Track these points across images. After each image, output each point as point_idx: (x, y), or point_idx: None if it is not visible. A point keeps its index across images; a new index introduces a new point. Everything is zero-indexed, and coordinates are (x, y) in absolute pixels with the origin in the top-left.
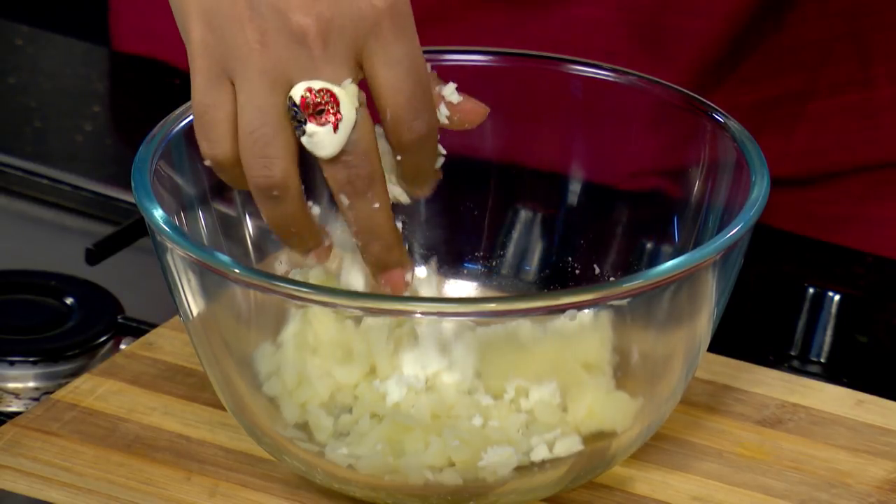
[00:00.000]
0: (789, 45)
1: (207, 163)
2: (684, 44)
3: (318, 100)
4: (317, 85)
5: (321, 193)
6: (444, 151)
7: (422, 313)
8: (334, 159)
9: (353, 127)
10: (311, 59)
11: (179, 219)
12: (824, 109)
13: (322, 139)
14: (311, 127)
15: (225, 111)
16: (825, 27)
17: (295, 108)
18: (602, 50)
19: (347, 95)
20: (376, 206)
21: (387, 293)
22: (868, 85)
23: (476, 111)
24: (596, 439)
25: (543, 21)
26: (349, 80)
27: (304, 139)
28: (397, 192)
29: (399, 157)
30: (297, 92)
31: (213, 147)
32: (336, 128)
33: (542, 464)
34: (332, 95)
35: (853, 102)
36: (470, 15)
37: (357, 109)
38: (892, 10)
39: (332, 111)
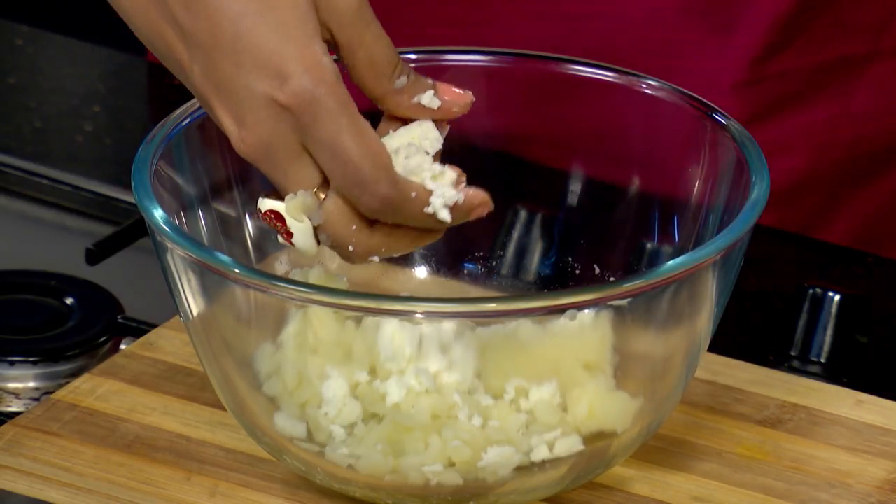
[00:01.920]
0: (853, 6)
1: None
2: (752, 9)
3: (268, 222)
4: (264, 206)
5: None
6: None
7: (422, 313)
8: (322, 249)
9: (316, 227)
10: (273, 177)
11: (179, 219)
12: (887, 72)
13: (298, 247)
14: (281, 240)
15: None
16: None
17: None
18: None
19: (290, 210)
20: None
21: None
22: None
23: (459, 97)
24: (596, 439)
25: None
26: (291, 195)
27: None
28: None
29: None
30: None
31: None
32: (290, 241)
33: (542, 464)
34: (277, 215)
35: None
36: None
37: (313, 214)
38: None
39: (281, 230)
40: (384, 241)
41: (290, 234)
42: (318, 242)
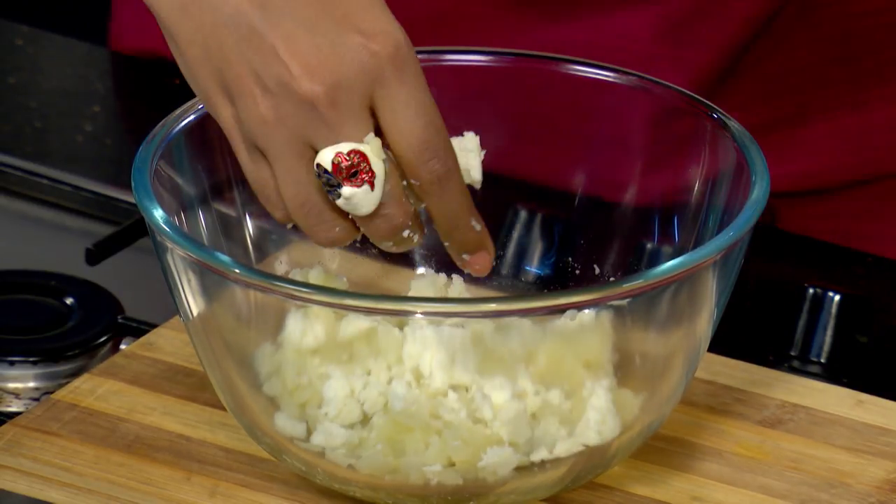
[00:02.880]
0: (782, 70)
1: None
2: (678, 73)
3: (350, 162)
4: (345, 148)
5: None
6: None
7: (422, 313)
8: (373, 214)
9: (385, 179)
10: (327, 123)
11: (179, 219)
12: (817, 133)
13: (360, 200)
14: (348, 190)
15: (271, 183)
16: (817, 51)
17: (327, 175)
18: None
19: (373, 150)
20: (416, 237)
21: (387, 294)
22: (861, 107)
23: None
24: (596, 439)
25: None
26: (371, 133)
27: (340, 202)
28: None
29: (426, 209)
30: (326, 158)
31: (275, 212)
32: (372, 186)
33: (542, 464)
34: (362, 155)
35: (847, 125)
36: (495, 20)
37: (384, 161)
38: (883, 32)
39: (364, 170)
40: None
41: (373, 175)
42: None
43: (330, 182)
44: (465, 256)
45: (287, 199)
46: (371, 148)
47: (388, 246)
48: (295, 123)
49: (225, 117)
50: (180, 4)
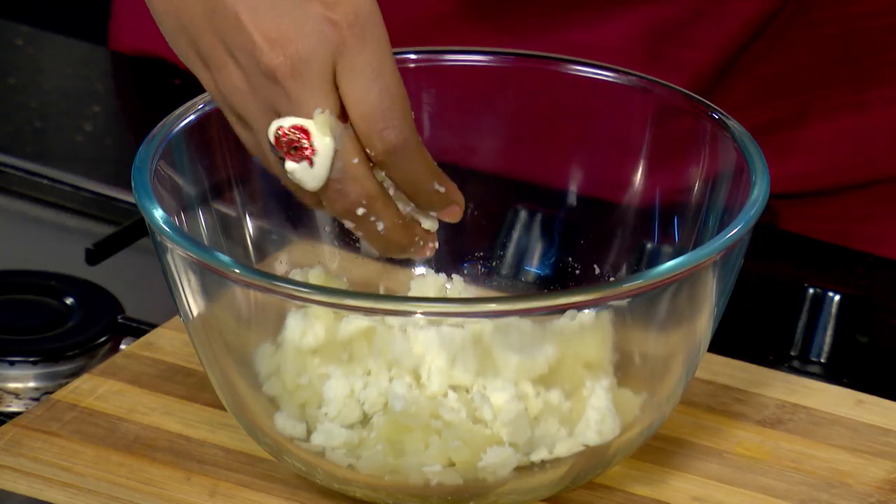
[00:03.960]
0: (782, 71)
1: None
2: (677, 73)
3: (290, 137)
4: (287, 123)
5: None
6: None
7: (422, 313)
8: (325, 189)
9: (335, 155)
10: (288, 95)
11: (179, 219)
12: (818, 134)
13: (302, 175)
14: (289, 164)
15: (259, 149)
16: (817, 51)
17: (272, 148)
18: None
19: (318, 126)
20: (381, 225)
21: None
22: (861, 109)
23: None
24: (596, 439)
25: (540, 45)
26: (319, 109)
27: (286, 178)
28: (427, 223)
29: (387, 176)
30: (271, 132)
31: (272, 168)
32: (311, 162)
33: (542, 464)
34: (304, 130)
35: (847, 126)
36: (466, 36)
37: (336, 137)
38: (883, 33)
39: (305, 146)
40: (379, 201)
41: (313, 153)
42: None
43: (277, 156)
44: (432, 213)
45: (269, 164)
46: (317, 123)
47: (395, 252)
48: (264, 94)
49: (207, 85)
50: None
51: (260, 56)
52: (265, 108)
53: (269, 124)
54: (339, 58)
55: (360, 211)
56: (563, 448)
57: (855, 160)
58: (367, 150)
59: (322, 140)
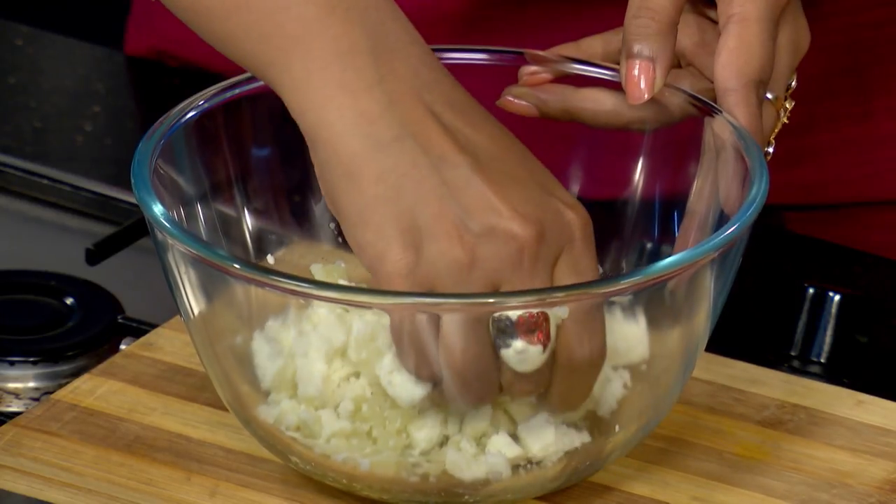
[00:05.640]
0: None
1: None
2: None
3: (535, 320)
4: (535, 309)
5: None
6: None
7: (421, 310)
8: (526, 374)
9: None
10: (523, 271)
11: (179, 216)
12: (824, 143)
13: (530, 357)
14: (520, 345)
15: (432, 336)
16: (824, 61)
17: (508, 322)
18: None
19: (553, 318)
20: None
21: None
22: (867, 119)
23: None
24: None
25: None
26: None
27: (505, 352)
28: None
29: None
30: (516, 312)
31: (421, 370)
32: (545, 348)
33: (537, 461)
34: (546, 317)
35: (852, 136)
36: (467, 36)
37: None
38: (890, 44)
39: (543, 331)
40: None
41: (548, 339)
42: None
43: (507, 332)
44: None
45: (452, 351)
46: (552, 315)
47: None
48: (491, 266)
49: (394, 262)
50: (377, 142)
51: (507, 226)
52: (483, 284)
53: (515, 281)
54: (566, 252)
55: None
56: (558, 445)
57: (859, 171)
58: (565, 351)
59: (553, 332)
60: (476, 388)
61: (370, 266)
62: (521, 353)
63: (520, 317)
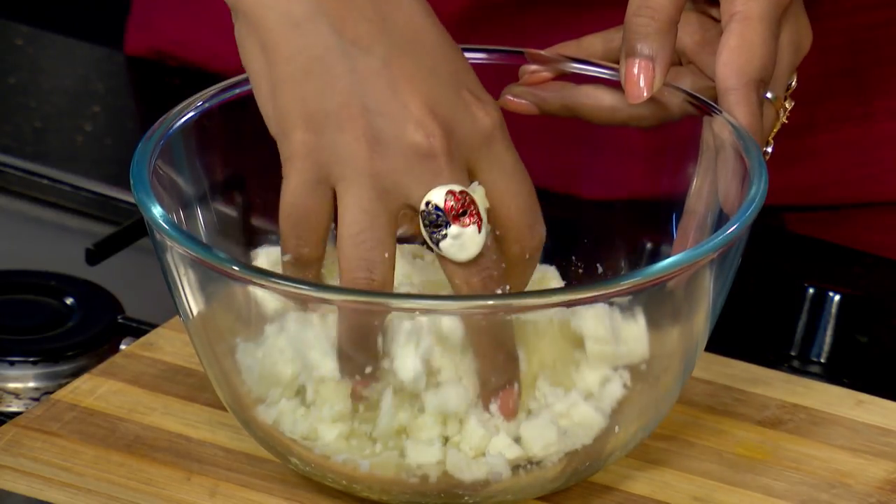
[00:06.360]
0: None
1: (286, 258)
2: None
3: (462, 201)
4: (457, 188)
5: None
6: None
7: (421, 311)
8: (469, 263)
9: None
10: (435, 170)
11: (178, 217)
12: (823, 144)
13: (467, 240)
14: (455, 229)
15: (323, 215)
16: (824, 62)
17: (438, 212)
18: None
19: (479, 198)
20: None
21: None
22: (867, 120)
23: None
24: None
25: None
26: (476, 182)
27: (444, 243)
28: None
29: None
30: (438, 196)
31: (303, 246)
32: (480, 228)
33: (537, 462)
34: (472, 198)
35: (852, 137)
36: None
37: (487, 211)
38: (890, 45)
39: (474, 212)
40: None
41: (480, 219)
42: None
43: (437, 221)
44: None
45: (344, 227)
46: (478, 195)
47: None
48: (393, 162)
49: (297, 142)
50: (293, 20)
51: (415, 126)
52: (388, 179)
53: (379, 189)
54: (486, 151)
55: (493, 288)
56: (558, 446)
57: (858, 172)
58: (515, 244)
59: (484, 212)
60: (366, 260)
61: (275, 137)
62: (457, 238)
63: (446, 201)
